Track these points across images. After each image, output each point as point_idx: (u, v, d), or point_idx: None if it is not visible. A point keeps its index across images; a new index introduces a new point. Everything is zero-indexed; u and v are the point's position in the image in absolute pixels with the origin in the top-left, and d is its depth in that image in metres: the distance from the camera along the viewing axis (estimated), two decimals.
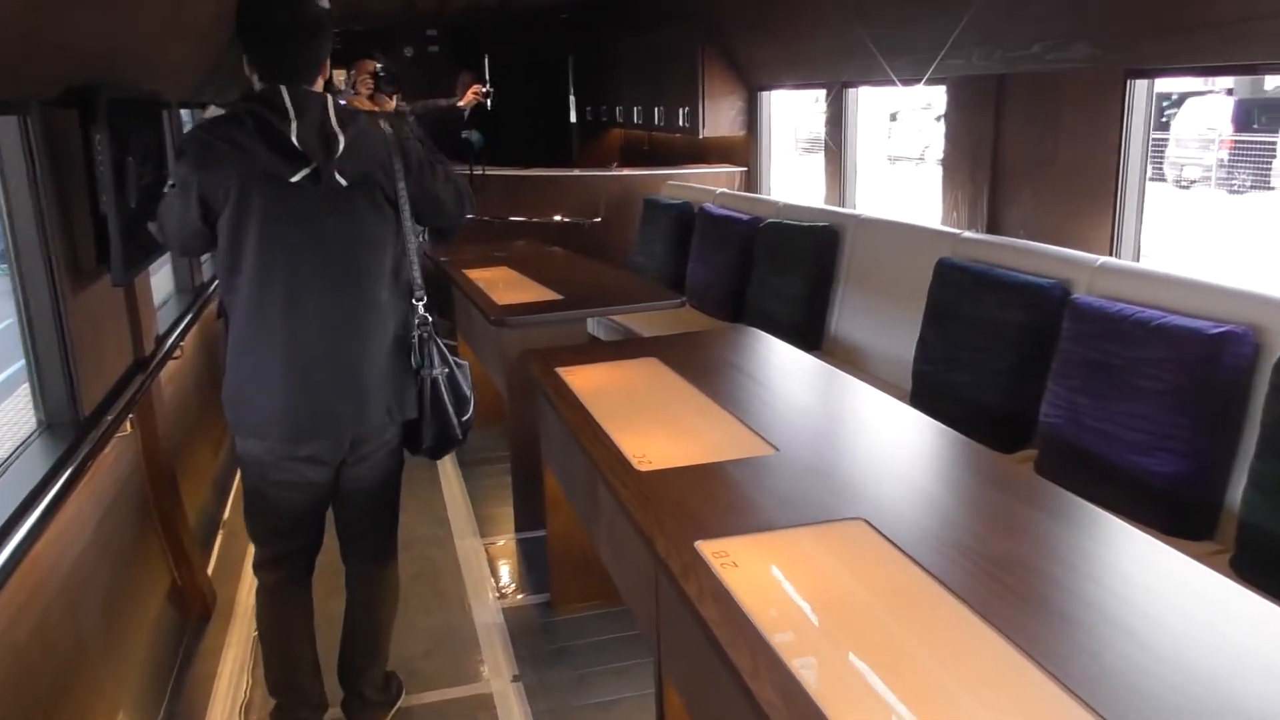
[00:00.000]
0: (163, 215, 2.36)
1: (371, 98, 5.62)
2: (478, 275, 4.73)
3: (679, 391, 2.87)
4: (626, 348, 3.41)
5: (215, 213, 2.26)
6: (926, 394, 3.54)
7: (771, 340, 3.41)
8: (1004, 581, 1.67)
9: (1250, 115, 15.39)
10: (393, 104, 5.55)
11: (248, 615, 3.42)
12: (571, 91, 9.84)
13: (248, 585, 3.62)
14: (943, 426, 2.46)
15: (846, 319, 4.40)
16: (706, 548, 1.84)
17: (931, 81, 4.46)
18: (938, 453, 2.37)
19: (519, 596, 3.57)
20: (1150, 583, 1.68)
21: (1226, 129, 15.31)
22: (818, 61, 5.36)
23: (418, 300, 2.45)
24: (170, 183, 2.30)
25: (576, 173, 7.02)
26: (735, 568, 1.78)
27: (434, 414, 2.49)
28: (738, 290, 5.04)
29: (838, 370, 3.07)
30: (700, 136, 6.41)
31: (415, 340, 2.43)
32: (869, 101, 5.26)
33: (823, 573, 1.79)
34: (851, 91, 5.22)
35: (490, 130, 8.34)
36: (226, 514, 4.26)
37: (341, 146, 2.25)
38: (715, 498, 2.09)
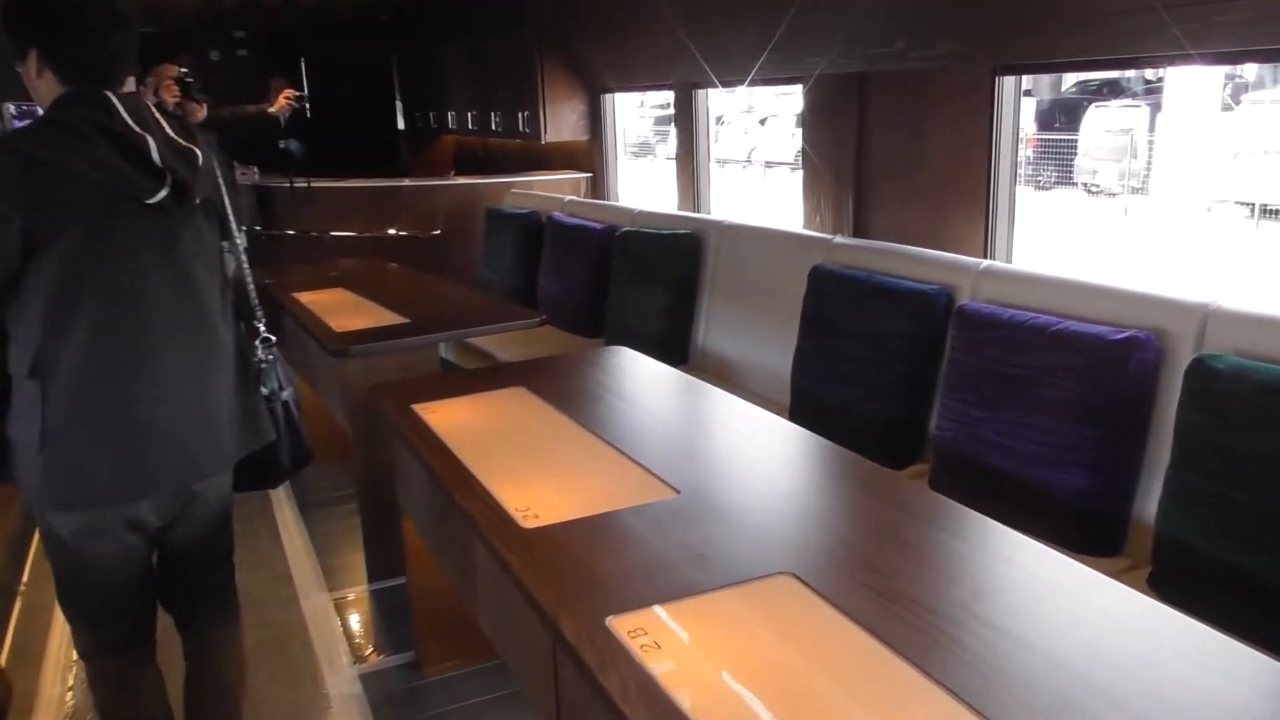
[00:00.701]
0: None
1: (179, 105, 5.05)
2: (310, 299, 4.28)
3: (554, 425, 2.57)
4: (490, 377, 3.08)
5: (35, 250, 1.84)
6: (807, 409, 3.37)
7: (642, 359, 3.15)
8: (949, 631, 1.46)
9: (1051, 115, 16.35)
10: (203, 112, 5.00)
11: (54, 710, 2.90)
12: (398, 96, 9.33)
13: (52, 671, 3.09)
14: (839, 447, 2.27)
15: (715, 331, 4.20)
16: (621, 625, 1.56)
17: (774, 81, 4.33)
18: (839, 473, 2.17)
19: (378, 658, 3.18)
20: (1064, 604, 1.53)
21: (1030, 128, 16.17)
22: (661, 64, 5.16)
23: (258, 321, 2.28)
24: None
25: (410, 183, 6.59)
26: (658, 649, 1.51)
27: (289, 434, 2.34)
28: (595, 304, 4.77)
29: (716, 389, 2.85)
30: (543, 141, 6.11)
31: (261, 365, 2.25)
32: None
33: (761, 647, 1.53)
34: (700, 93, 5.05)
35: (311, 139, 7.79)
36: (24, 580, 3.67)
37: (201, 160, 2.01)
38: (620, 556, 1.81)
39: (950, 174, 3.44)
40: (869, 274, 3.24)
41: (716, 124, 21.60)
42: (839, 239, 3.63)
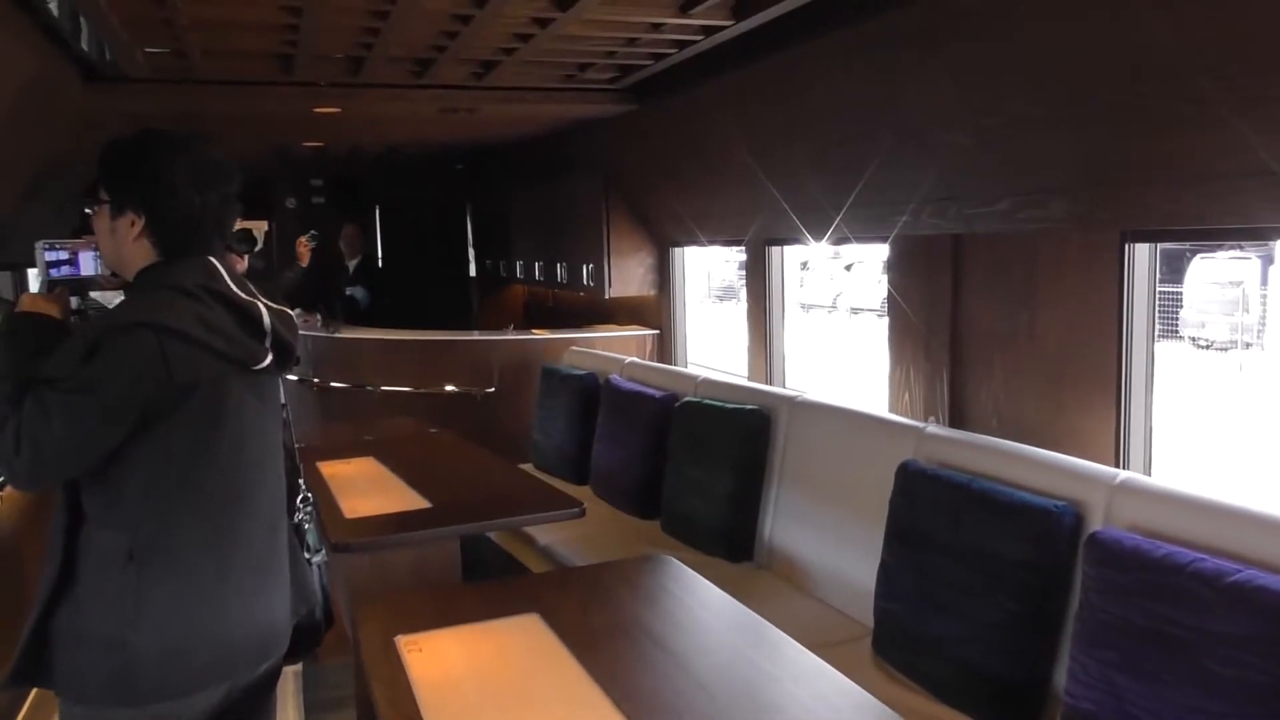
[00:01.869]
0: (37, 428, 1.67)
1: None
2: (333, 470, 3.85)
3: (563, 679, 2.00)
4: (502, 596, 2.53)
5: (148, 423, 1.75)
6: (896, 641, 2.73)
7: (692, 579, 2.58)
8: None
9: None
10: (243, 264, 4.75)
11: None
12: (470, 243, 9.17)
13: None
14: None
15: (784, 523, 3.61)
16: None
17: (855, 240, 3.84)
18: None
19: None
20: None
21: None
22: (732, 217, 4.75)
23: (300, 478, 2.23)
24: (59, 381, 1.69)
25: (466, 336, 6.24)
26: None
27: (325, 601, 2.21)
28: (650, 480, 4.23)
29: (779, 634, 2.25)
30: (607, 296, 5.72)
31: (304, 522, 2.17)
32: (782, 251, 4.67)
33: None
34: (774, 249, 4.60)
35: (383, 286, 7.59)
36: None
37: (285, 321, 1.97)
38: None
39: (1067, 353, 2.86)
40: (970, 478, 2.63)
41: (802, 269, 21.22)
42: (931, 428, 3.04)
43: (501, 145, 7.08)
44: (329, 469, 3.87)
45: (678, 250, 5.68)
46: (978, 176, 2.97)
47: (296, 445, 4.18)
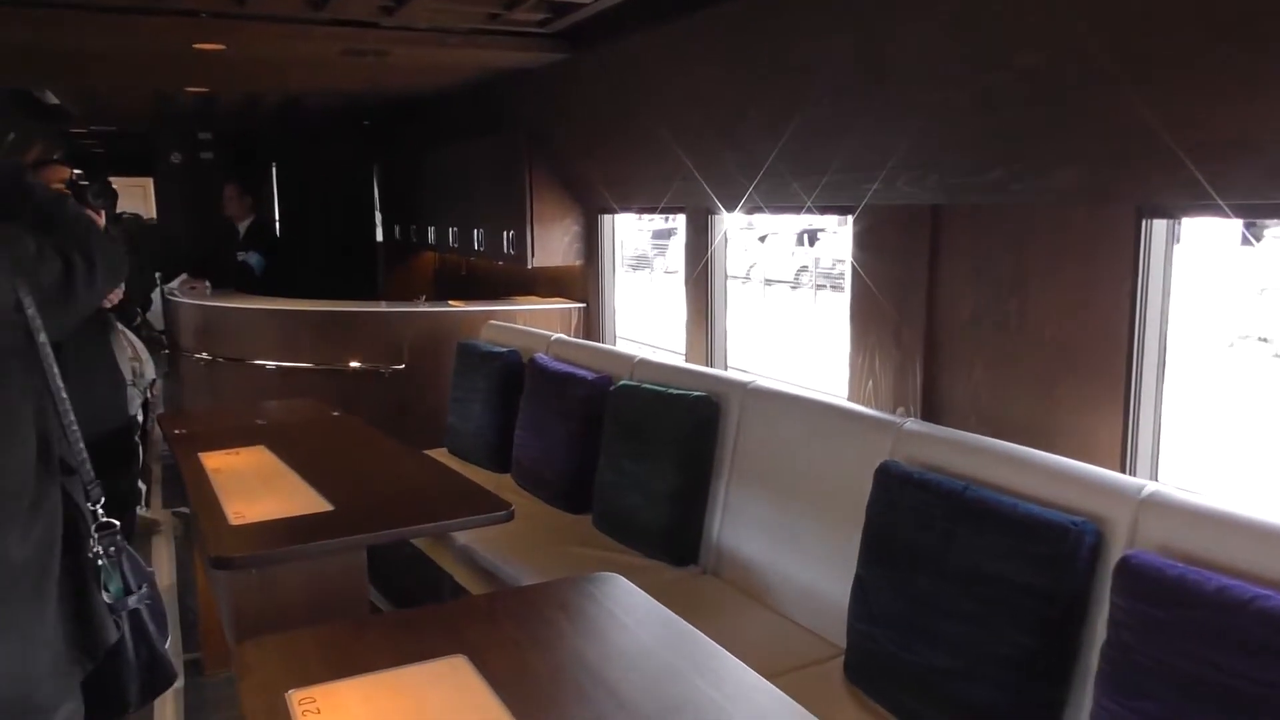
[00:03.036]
0: None
1: None
2: (218, 462, 3.33)
3: None
4: (419, 631, 2.10)
5: None
6: (873, 667, 2.39)
7: (646, 605, 2.19)
8: None
9: None
10: (101, 219, 4.15)
11: None
12: (377, 207, 8.55)
13: None
14: None
15: (734, 527, 3.24)
16: None
17: (819, 210, 3.48)
18: None
19: None
20: None
21: None
22: (671, 182, 4.34)
23: (89, 491, 1.75)
24: None
25: (372, 308, 5.70)
26: None
27: (139, 653, 1.82)
28: (581, 472, 3.82)
29: (737, 663, 1.89)
30: (530, 265, 5.26)
31: (99, 559, 1.72)
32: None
33: None
34: (717, 218, 4.21)
35: (276, 251, 6.96)
36: None
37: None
38: None
39: (1065, 344, 2.54)
40: (964, 485, 2.29)
41: (760, 243, 20.70)
42: (911, 423, 2.70)
43: (414, 100, 6.50)
44: (213, 461, 3.35)
45: (606, 217, 5.24)
46: (967, 140, 2.62)
47: (177, 431, 3.64)
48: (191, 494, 3.06)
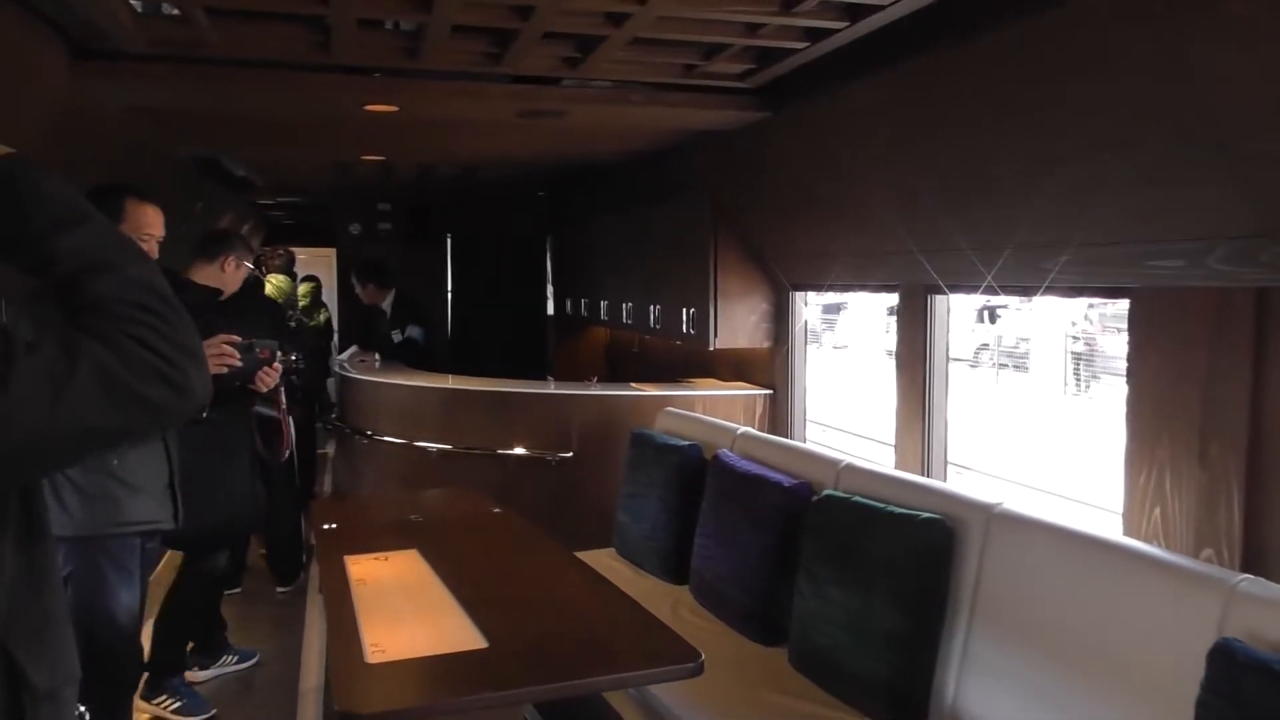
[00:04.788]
0: None
1: None
2: (364, 570, 2.93)
3: None
4: None
5: None
6: None
7: None
8: None
9: None
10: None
11: None
12: (549, 280, 8.28)
13: None
14: None
15: (977, 686, 2.56)
16: None
17: (1078, 291, 2.83)
18: None
19: None
20: None
21: None
22: (882, 256, 3.75)
23: None
24: None
25: (541, 389, 5.31)
26: None
27: None
28: (775, 596, 3.22)
29: None
30: (711, 347, 4.75)
31: None
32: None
33: None
34: (939, 299, 3.59)
35: (429, 320, 6.70)
36: None
37: None
38: None
39: None
40: None
41: (889, 316, 19.77)
42: (1249, 583, 1.98)
43: (589, 167, 6.17)
44: (360, 568, 2.95)
45: (799, 295, 4.69)
46: None
47: (328, 527, 3.24)
48: (330, 612, 2.64)
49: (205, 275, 3.72)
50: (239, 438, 3.96)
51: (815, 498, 3.15)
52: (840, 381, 11.55)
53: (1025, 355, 18.99)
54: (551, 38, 2.86)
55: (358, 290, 6.40)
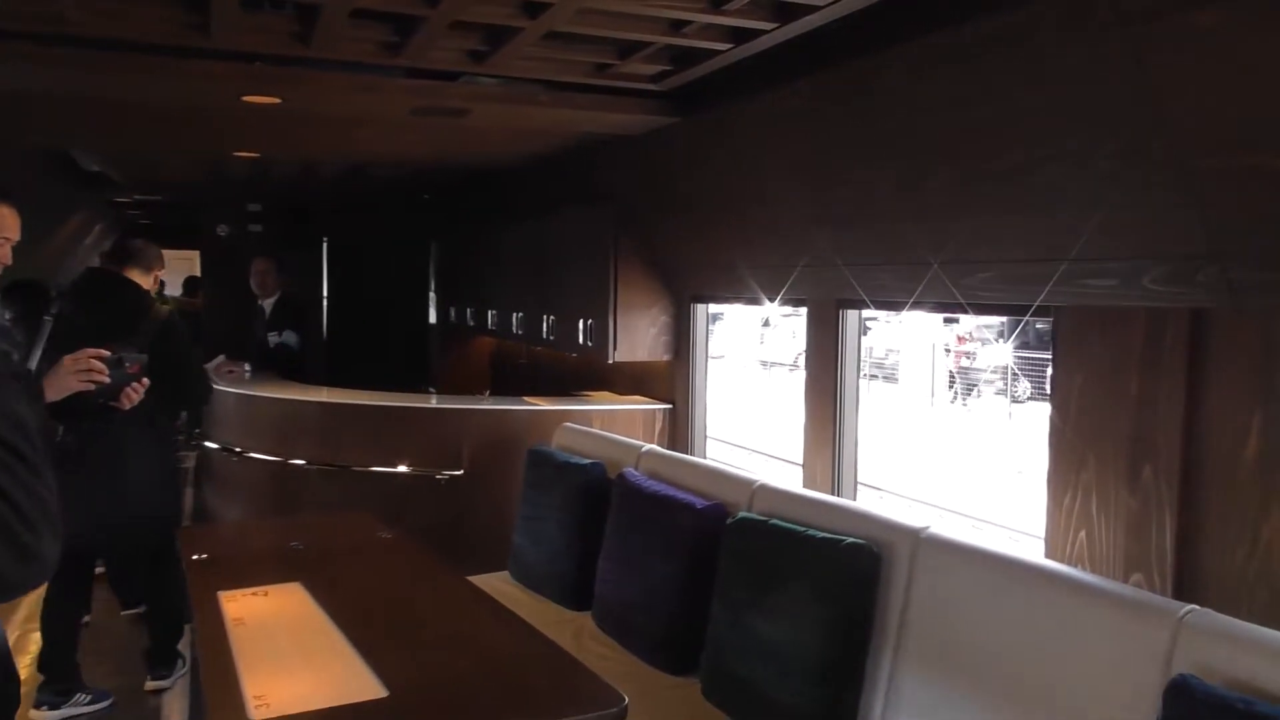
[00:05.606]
0: None
1: None
2: (242, 608, 2.64)
3: None
4: None
5: None
6: None
7: None
8: None
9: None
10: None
11: None
12: (432, 287, 7.96)
13: None
14: None
15: (904, 717, 2.47)
16: None
17: (992, 309, 2.80)
18: None
19: None
20: None
21: None
22: (789, 269, 3.66)
23: None
24: None
25: (429, 404, 5.04)
26: None
27: None
28: (689, 624, 3.07)
29: None
30: (611, 361, 4.58)
31: None
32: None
33: None
34: (850, 313, 3.52)
35: (304, 327, 6.36)
36: None
37: None
38: None
39: None
40: None
41: (763, 327, 20.00)
42: (1197, 613, 1.93)
43: (484, 169, 5.91)
44: (236, 605, 2.65)
45: (700, 307, 4.57)
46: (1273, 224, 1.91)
47: (198, 558, 2.95)
48: (204, 657, 2.35)
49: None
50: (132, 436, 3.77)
51: (730, 520, 3.02)
52: (722, 392, 11.58)
53: (895, 367, 19.62)
54: (459, 28, 2.64)
55: (256, 274, 6.11)
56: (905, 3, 2.45)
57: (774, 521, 2.86)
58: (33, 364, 3.41)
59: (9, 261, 2.68)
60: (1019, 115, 2.29)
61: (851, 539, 2.61)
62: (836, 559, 2.60)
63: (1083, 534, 2.48)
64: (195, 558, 3.13)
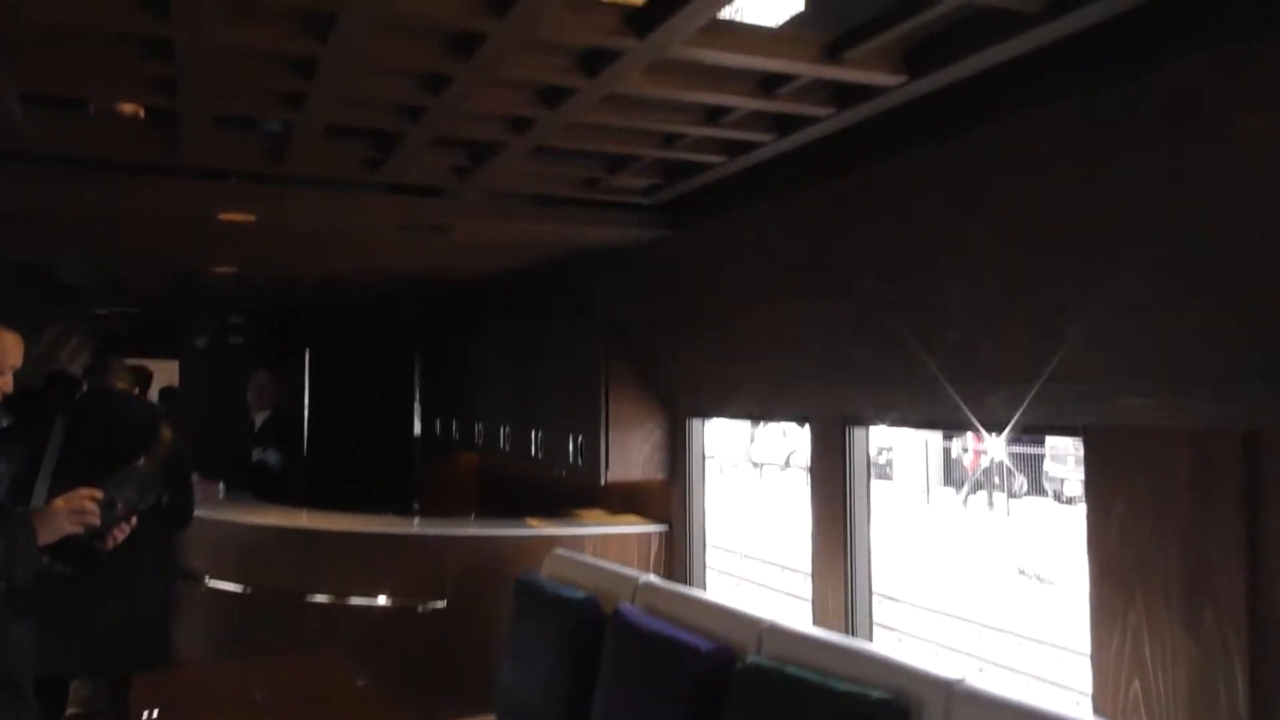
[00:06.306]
0: None
1: None
2: None
3: None
4: None
5: None
6: None
7: None
8: None
9: None
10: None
11: None
12: (416, 398, 7.73)
13: None
14: None
15: None
16: None
17: (1040, 429, 2.59)
18: None
19: None
20: None
21: None
22: (793, 385, 3.48)
23: None
24: None
25: (409, 530, 4.76)
26: None
27: None
28: None
29: None
30: (603, 482, 4.34)
31: None
32: None
33: None
34: (858, 430, 3.31)
35: (294, 447, 6.13)
36: None
37: None
38: None
39: None
40: None
41: (753, 426, 19.63)
42: None
43: (470, 281, 5.76)
44: None
45: (697, 422, 4.36)
46: None
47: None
48: None
49: None
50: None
51: (739, 666, 2.75)
52: (716, 497, 11.35)
53: (888, 465, 19.38)
54: (442, 144, 2.49)
55: (256, 388, 5.89)
56: (908, 113, 2.32)
57: (789, 670, 2.60)
58: (38, 483, 3.34)
59: (10, 390, 2.52)
60: (1056, 221, 2.13)
61: (878, 693, 2.35)
62: (861, 716, 2.34)
63: (1136, 684, 2.23)
64: (147, 714, 2.83)
